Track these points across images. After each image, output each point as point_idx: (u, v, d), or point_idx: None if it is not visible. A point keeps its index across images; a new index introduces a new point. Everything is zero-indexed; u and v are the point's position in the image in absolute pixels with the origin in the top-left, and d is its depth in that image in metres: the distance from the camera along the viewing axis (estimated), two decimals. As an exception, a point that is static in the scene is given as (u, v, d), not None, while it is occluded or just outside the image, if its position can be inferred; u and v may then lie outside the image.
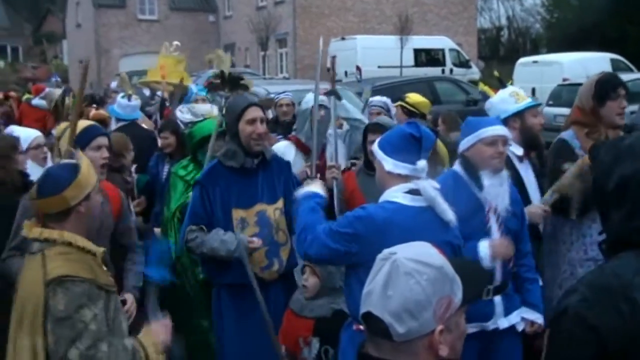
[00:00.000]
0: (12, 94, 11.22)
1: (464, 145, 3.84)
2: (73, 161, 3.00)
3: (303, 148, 5.26)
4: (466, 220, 3.66)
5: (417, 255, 1.71)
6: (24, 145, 4.75)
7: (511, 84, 5.54)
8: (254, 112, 3.96)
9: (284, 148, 5.32)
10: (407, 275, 1.67)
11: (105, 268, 2.92)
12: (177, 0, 39.39)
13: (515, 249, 3.81)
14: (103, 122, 6.64)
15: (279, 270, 4.04)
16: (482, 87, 5.49)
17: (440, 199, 3.06)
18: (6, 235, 3.80)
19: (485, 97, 5.30)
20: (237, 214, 3.99)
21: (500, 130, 3.78)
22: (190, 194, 4.39)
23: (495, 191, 3.72)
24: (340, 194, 4.46)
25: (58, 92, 8.89)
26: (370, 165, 4.43)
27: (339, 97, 5.10)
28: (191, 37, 38.44)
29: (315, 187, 3.43)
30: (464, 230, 3.68)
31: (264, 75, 27.50)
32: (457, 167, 3.89)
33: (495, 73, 5.51)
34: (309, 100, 5.64)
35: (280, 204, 4.08)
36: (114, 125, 7.40)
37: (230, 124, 4.03)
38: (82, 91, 4.17)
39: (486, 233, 3.72)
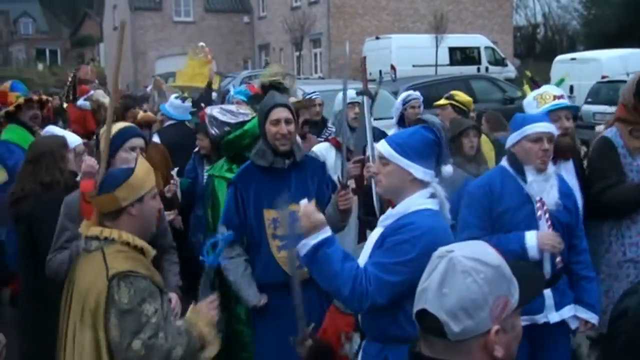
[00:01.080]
0: (44, 97, 11.28)
1: (510, 141, 3.85)
2: (131, 165, 3.07)
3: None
4: (514, 211, 3.66)
5: (475, 254, 1.69)
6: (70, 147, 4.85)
7: (562, 80, 5.40)
8: (279, 113, 3.97)
9: (324, 150, 5.33)
10: (464, 274, 1.65)
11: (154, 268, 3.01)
12: (212, 1, 39.68)
13: (569, 244, 3.79)
14: (149, 123, 6.70)
15: None
16: (525, 87, 5.40)
17: (446, 201, 3.05)
18: None
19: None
20: (269, 214, 4.01)
21: (545, 127, 3.76)
22: None
23: (540, 187, 3.71)
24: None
25: (101, 93, 8.99)
26: None
27: (371, 97, 5.09)
28: (226, 38, 38.75)
29: (317, 226, 2.92)
30: (512, 220, 3.66)
31: (298, 75, 27.51)
32: (504, 162, 3.90)
33: (528, 73, 5.39)
34: (339, 101, 5.64)
35: (312, 205, 4.08)
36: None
37: (260, 124, 4.08)
38: (116, 85, 4.13)
39: (534, 225, 3.69)
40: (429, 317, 1.67)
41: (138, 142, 4.01)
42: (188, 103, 7.63)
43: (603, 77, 17.61)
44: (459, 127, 5.23)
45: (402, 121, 6.64)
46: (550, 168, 3.81)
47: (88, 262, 2.87)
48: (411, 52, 24.25)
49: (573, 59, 20.35)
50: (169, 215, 5.13)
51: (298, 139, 4.74)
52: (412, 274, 2.69)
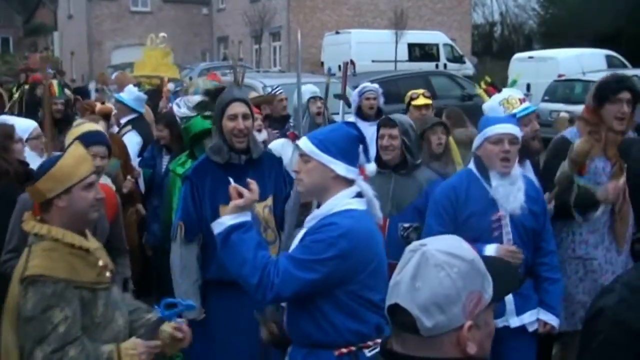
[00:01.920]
0: None
1: (475, 143, 3.81)
2: (59, 153, 2.94)
3: None
4: (479, 217, 3.61)
5: (448, 248, 1.64)
6: (24, 135, 4.71)
7: (515, 81, 5.37)
8: (237, 108, 3.85)
9: (281, 146, 5.24)
10: (437, 267, 1.60)
11: (101, 262, 2.84)
12: (170, -8, 39.19)
13: (536, 247, 3.77)
14: (107, 115, 6.59)
15: None
16: (479, 91, 5.33)
17: (375, 200, 2.97)
18: (7, 224, 3.78)
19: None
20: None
21: (505, 128, 3.70)
22: None
23: (505, 191, 3.67)
24: None
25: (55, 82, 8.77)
26: (380, 161, 4.38)
27: (348, 104, 5.00)
28: (184, 30, 38.32)
29: (238, 208, 2.88)
30: (478, 226, 3.61)
31: (257, 68, 27.33)
32: (471, 165, 3.86)
33: (487, 78, 5.31)
34: (303, 94, 5.57)
35: (269, 201, 3.99)
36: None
37: (215, 119, 3.96)
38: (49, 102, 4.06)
39: (497, 234, 3.68)
40: (401, 311, 1.61)
41: (98, 149, 4.00)
42: (143, 94, 7.49)
43: (559, 75, 17.87)
44: (425, 123, 5.16)
45: (360, 112, 6.58)
46: (516, 170, 3.77)
47: (20, 259, 2.78)
48: (371, 47, 24.26)
49: (531, 57, 20.62)
50: (130, 215, 4.96)
51: (258, 134, 4.63)
52: (326, 274, 2.70)
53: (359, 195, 2.90)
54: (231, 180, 2.99)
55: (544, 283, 3.85)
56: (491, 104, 4.48)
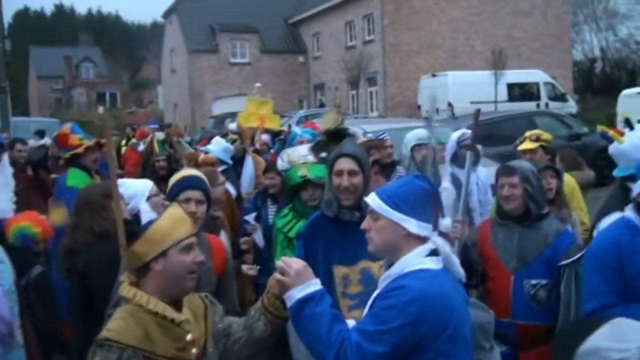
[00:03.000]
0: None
1: (637, 189, 3.45)
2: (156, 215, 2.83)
3: None
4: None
5: None
6: (144, 194, 4.67)
7: (628, 119, 4.98)
8: (342, 164, 3.66)
9: None
10: None
11: (189, 338, 2.66)
12: (267, 42, 40.22)
13: None
14: (212, 165, 6.57)
15: None
16: (602, 128, 4.98)
17: (453, 256, 2.75)
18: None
19: (607, 138, 4.66)
20: (340, 271, 3.65)
21: None
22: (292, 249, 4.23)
23: None
24: (471, 249, 4.05)
25: (161, 136, 9.00)
26: (502, 212, 4.15)
27: (477, 153, 4.70)
28: (282, 79, 39.19)
29: (301, 276, 2.69)
30: (634, 287, 3.26)
31: (355, 114, 27.47)
32: (629, 213, 3.49)
33: (624, 114, 4.94)
34: (407, 141, 5.39)
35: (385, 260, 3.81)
36: None
37: (329, 172, 3.78)
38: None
39: None
40: None
41: (193, 194, 3.85)
42: (231, 145, 7.50)
43: (673, 111, 17.01)
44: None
45: (455, 159, 6.36)
46: None
47: None
48: (468, 88, 23.94)
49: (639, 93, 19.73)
50: (250, 270, 4.82)
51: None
52: (397, 344, 2.48)
53: (434, 252, 2.70)
54: (280, 261, 2.78)
55: None
56: (635, 142, 3.99)
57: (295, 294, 2.64)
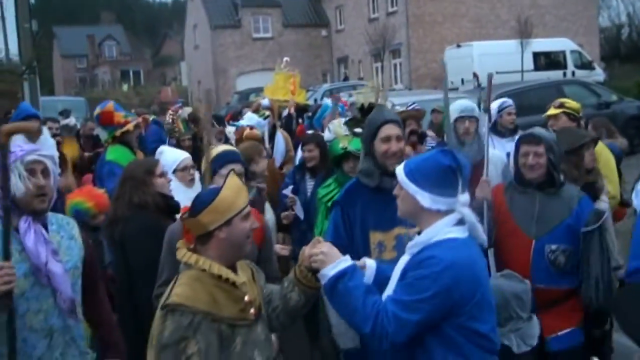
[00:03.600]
0: (146, 116, 11.54)
1: None
2: (217, 186, 2.91)
3: None
4: None
5: None
6: (172, 167, 4.84)
7: None
8: (389, 130, 3.72)
9: None
10: None
11: (247, 299, 2.79)
12: (289, 16, 40.10)
13: None
14: (256, 139, 6.64)
15: None
16: None
17: (478, 224, 2.88)
18: (153, 255, 3.83)
19: None
20: (375, 237, 3.73)
21: None
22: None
23: None
24: (490, 213, 4.13)
25: (188, 111, 9.11)
26: (522, 180, 4.16)
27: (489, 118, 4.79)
28: (305, 53, 39.08)
29: (336, 257, 2.87)
30: None
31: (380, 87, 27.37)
32: None
33: None
34: (452, 112, 5.39)
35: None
36: None
37: (365, 141, 3.83)
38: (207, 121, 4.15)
39: None
40: None
41: (235, 167, 3.88)
42: (263, 120, 7.58)
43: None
44: (578, 140, 4.83)
45: (495, 128, 6.36)
46: None
47: (170, 285, 2.81)
48: (494, 58, 23.68)
49: (668, 59, 19.46)
50: (282, 250, 4.84)
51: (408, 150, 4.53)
52: (432, 312, 2.64)
53: (461, 222, 2.83)
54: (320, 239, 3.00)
55: None
56: None
57: (328, 272, 2.80)
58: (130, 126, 6.18)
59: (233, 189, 2.83)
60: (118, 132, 6.15)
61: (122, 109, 6.51)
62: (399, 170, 2.91)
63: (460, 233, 2.81)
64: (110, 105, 6.33)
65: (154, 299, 3.67)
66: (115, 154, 6.02)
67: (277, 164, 7.49)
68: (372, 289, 2.81)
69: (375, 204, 3.76)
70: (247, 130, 6.82)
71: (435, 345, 2.73)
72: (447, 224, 2.80)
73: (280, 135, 7.94)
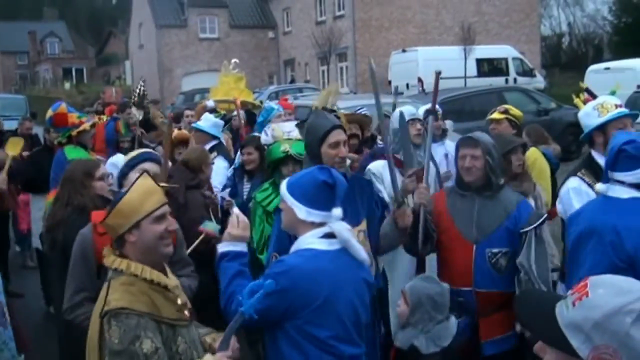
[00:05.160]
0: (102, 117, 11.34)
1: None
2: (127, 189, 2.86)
3: (402, 167, 5.04)
4: None
5: None
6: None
7: (614, 92, 5.23)
8: (338, 136, 3.79)
9: (381, 168, 5.14)
10: None
11: (180, 301, 2.78)
12: (236, 17, 39.91)
13: None
14: (186, 141, 6.62)
15: None
16: (576, 100, 5.23)
17: (353, 240, 3.07)
18: None
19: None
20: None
21: None
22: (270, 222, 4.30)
23: None
24: (427, 218, 4.16)
25: (135, 113, 8.99)
26: (461, 183, 4.21)
27: (436, 117, 4.89)
28: (251, 54, 38.94)
29: (239, 237, 3.15)
30: None
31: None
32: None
33: (582, 84, 5.28)
34: (397, 117, 5.44)
35: (363, 225, 3.89)
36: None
37: (312, 146, 3.87)
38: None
39: None
40: None
41: (149, 166, 3.97)
42: (220, 120, 7.54)
43: (639, 86, 17.27)
44: (507, 144, 4.96)
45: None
46: None
47: (100, 294, 2.72)
48: (438, 64, 23.64)
49: (607, 68, 19.94)
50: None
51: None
52: (268, 305, 2.81)
53: (331, 235, 3.02)
54: (235, 209, 3.29)
55: None
56: (587, 110, 4.37)
57: (219, 248, 3.13)
58: (86, 126, 6.14)
59: (139, 192, 2.76)
60: (74, 132, 6.08)
61: (74, 109, 6.44)
62: (283, 185, 3.13)
63: (324, 245, 3.00)
64: (63, 106, 6.26)
65: (66, 312, 3.58)
66: (75, 153, 5.95)
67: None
68: (244, 273, 3.08)
69: None
70: (176, 132, 6.76)
71: (282, 342, 2.96)
72: (314, 235, 3.02)
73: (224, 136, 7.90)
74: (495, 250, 4.02)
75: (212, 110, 9.31)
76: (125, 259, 2.71)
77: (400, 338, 3.75)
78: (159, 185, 2.87)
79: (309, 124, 4.03)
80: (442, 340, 3.67)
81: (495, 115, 6.37)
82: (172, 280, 2.79)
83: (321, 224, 3.02)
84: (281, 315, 2.91)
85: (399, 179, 4.20)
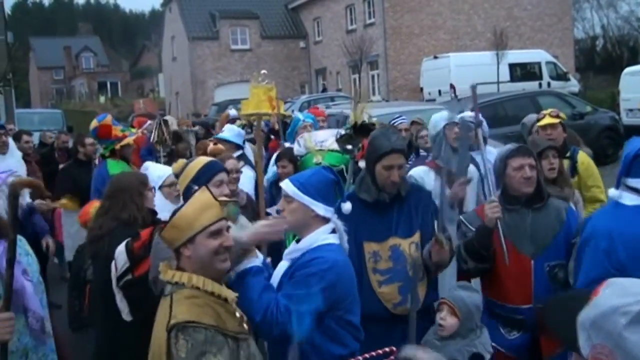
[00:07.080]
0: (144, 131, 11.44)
1: None
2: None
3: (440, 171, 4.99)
4: None
5: None
6: (158, 182, 4.77)
7: None
8: (394, 160, 3.83)
9: (423, 173, 5.14)
10: None
11: (238, 314, 2.76)
12: (267, 28, 40.13)
13: None
14: (220, 155, 6.64)
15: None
16: None
17: (345, 234, 3.30)
18: None
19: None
20: (370, 247, 3.89)
21: None
22: None
23: None
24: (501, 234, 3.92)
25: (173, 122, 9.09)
26: (510, 198, 3.97)
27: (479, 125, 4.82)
28: (283, 64, 39.11)
29: (253, 256, 3.08)
30: None
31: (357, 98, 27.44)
32: None
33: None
34: (437, 122, 5.42)
35: (416, 237, 3.90)
36: None
37: (368, 160, 3.95)
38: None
39: None
40: None
41: (224, 176, 3.95)
42: (242, 130, 7.57)
43: (676, 87, 17.01)
44: (535, 148, 4.72)
45: None
46: None
47: (160, 309, 2.70)
48: (470, 70, 23.78)
49: (642, 70, 19.70)
50: None
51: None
52: (319, 304, 2.84)
53: (334, 231, 3.26)
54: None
55: None
56: None
57: (240, 267, 3.03)
58: (129, 140, 6.18)
59: (196, 206, 2.75)
60: (118, 146, 6.13)
61: (119, 122, 6.51)
62: (287, 185, 3.26)
63: (335, 239, 3.25)
64: (109, 118, 6.33)
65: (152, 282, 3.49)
66: (118, 167, 6.01)
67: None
68: (270, 287, 3.08)
69: (370, 216, 3.93)
70: (211, 146, 6.78)
71: (317, 335, 2.99)
72: (325, 231, 3.23)
73: (248, 147, 7.93)
74: (553, 263, 3.86)
75: (235, 120, 9.35)
76: (185, 272, 2.70)
77: (455, 351, 3.54)
78: (216, 200, 2.83)
79: (372, 137, 4.08)
80: (485, 350, 3.59)
81: (548, 120, 5.94)
82: (231, 293, 2.77)
83: (327, 221, 3.25)
84: (328, 308, 3.04)
85: (446, 206, 4.16)
